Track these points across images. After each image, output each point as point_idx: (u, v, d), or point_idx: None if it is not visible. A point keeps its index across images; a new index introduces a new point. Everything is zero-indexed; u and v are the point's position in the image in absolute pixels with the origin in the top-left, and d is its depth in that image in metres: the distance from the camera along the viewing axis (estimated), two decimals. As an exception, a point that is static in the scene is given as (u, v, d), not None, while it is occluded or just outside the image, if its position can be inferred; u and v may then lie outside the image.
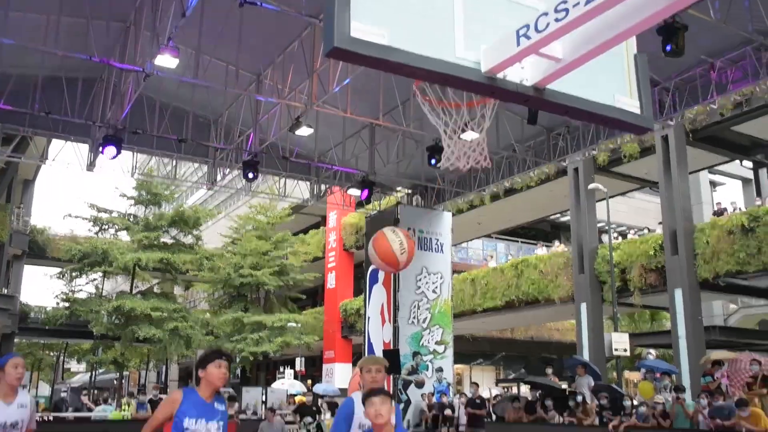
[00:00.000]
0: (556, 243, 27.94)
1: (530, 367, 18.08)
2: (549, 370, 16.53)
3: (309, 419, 16.19)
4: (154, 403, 15.62)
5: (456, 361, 20.04)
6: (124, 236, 34.62)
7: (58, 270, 33.77)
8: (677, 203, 18.77)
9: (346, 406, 4.41)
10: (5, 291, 27.58)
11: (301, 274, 32.48)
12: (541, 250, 26.17)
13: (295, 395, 22.87)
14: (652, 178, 21.33)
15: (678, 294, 18.45)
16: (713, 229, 18.28)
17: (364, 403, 3.79)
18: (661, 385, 14.28)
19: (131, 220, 32.64)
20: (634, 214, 33.84)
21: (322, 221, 35.44)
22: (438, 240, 20.06)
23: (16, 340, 34.11)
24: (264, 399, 20.29)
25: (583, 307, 21.32)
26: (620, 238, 24.29)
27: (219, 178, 19.13)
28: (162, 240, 32.64)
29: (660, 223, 20.80)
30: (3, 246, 28.18)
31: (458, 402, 16.94)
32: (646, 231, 22.25)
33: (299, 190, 21.45)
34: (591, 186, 19.72)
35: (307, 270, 33.15)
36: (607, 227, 19.27)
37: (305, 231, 36.75)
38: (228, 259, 32.97)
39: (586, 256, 21.32)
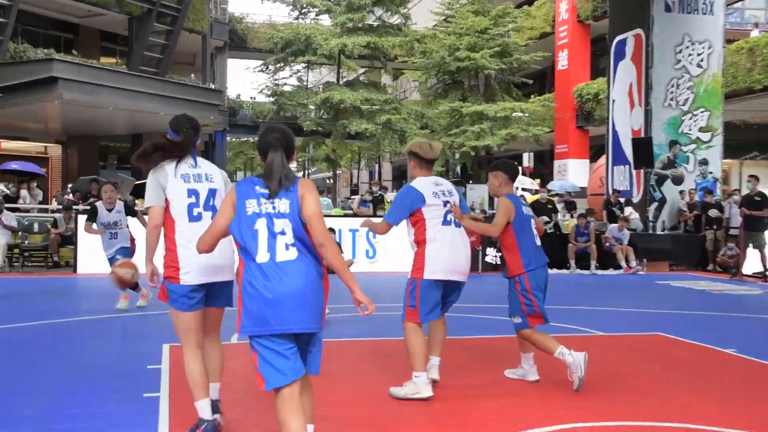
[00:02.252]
0: None
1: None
2: None
3: (545, 218, 16.40)
4: (377, 201, 16.62)
5: (723, 154, 18.84)
6: (325, 21, 35.56)
7: (261, 62, 35.94)
8: None
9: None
10: (213, 85, 29.98)
11: (526, 54, 31.50)
12: None
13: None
14: None
15: None
16: None
17: None
18: None
19: (332, 0, 33.19)
20: None
21: (551, -12, 33.46)
22: (706, -2, 18.16)
23: (228, 138, 37.81)
24: (491, 196, 20.79)
25: None
26: None
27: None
28: (367, 22, 33.04)
29: None
30: (205, 37, 30.28)
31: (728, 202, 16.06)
32: None
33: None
34: None
35: (534, 49, 32.04)
36: None
37: (530, 2, 35.02)
38: (441, 40, 32.72)
39: None
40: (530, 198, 21.71)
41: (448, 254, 4.99)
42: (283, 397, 3.38)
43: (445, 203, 5.08)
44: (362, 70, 39.66)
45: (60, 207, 16.18)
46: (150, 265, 4.24)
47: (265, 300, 3.36)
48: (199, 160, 4.29)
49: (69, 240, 14.29)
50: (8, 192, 17.68)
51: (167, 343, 6.61)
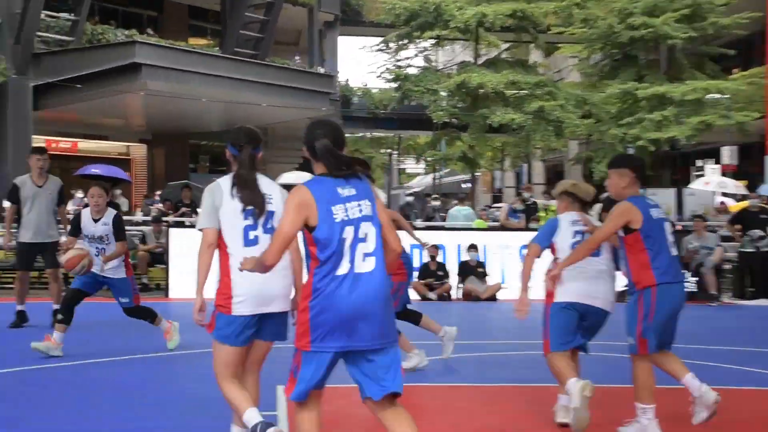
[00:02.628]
0: None
1: None
2: None
3: (758, 233, 15.89)
4: (530, 210, 16.58)
5: None
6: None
7: (380, 39, 36.53)
8: None
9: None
10: (322, 69, 30.73)
11: (726, 16, 30.59)
12: None
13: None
14: None
15: None
16: None
17: None
18: None
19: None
20: None
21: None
22: None
23: (339, 133, 38.56)
24: (678, 204, 20.44)
25: None
26: None
27: None
28: (513, -14, 33.03)
29: None
30: (312, 11, 31.10)
31: None
32: None
33: None
34: None
35: (738, 9, 31.01)
36: None
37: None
38: (609, 3, 32.30)
39: None
40: (734, 206, 21.12)
41: (581, 280, 5.85)
42: (305, 413, 3.96)
43: (575, 233, 6.00)
44: (506, 46, 39.59)
45: (147, 219, 16.92)
46: (200, 297, 4.66)
47: (341, 315, 3.74)
48: (259, 176, 4.67)
49: (160, 258, 14.93)
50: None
51: (281, 384, 6.85)
